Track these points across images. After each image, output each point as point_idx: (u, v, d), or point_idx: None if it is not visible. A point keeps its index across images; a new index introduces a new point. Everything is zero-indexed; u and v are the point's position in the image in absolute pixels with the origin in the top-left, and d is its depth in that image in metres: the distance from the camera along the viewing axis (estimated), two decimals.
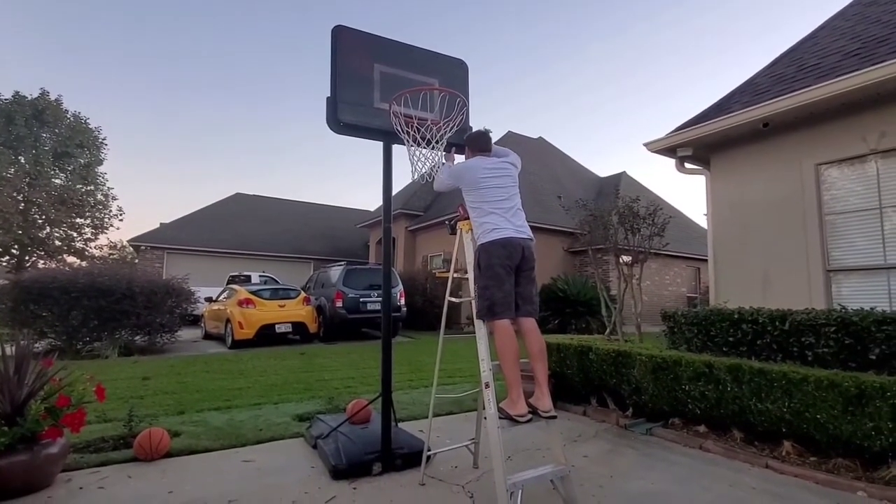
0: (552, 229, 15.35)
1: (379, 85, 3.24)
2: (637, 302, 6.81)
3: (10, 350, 3.07)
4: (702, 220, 6.30)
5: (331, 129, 3.08)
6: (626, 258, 7.31)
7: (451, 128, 3.07)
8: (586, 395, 4.73)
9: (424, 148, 3.06)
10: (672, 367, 3.82)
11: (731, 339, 4.20)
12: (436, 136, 3.04)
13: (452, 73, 3.53)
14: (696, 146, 5.86)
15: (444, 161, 3.48)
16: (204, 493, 2.72)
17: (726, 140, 5.66)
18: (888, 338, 3.26)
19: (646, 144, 6.16)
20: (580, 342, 4.85)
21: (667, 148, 6.02)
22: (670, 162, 6.30)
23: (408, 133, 3.03)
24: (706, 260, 6.23)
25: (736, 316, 4.20)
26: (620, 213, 6.72)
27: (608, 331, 6.95)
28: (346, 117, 3.08)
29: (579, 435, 3.93)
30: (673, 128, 6.03)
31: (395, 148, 3.35)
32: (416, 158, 3.05)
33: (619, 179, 19.51)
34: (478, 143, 3.00)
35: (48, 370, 3.11)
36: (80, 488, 2.81)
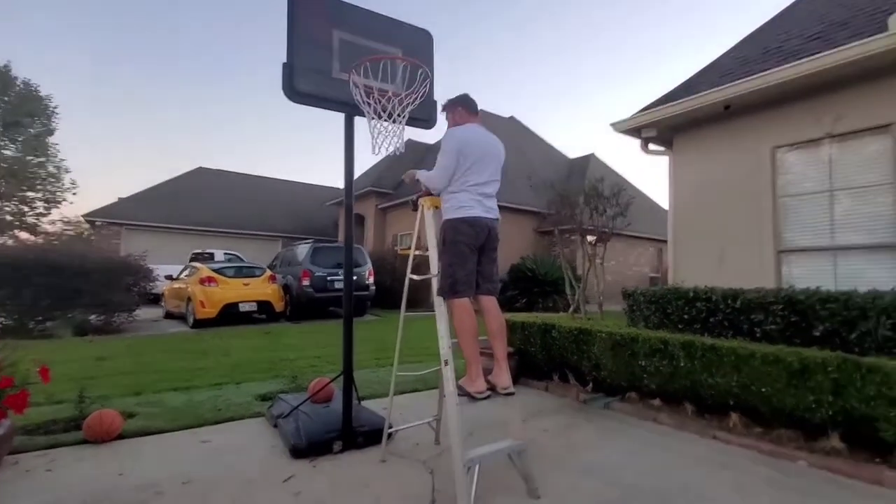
0: (522, 210, 15.46)
1: (338, 53, 3.10)
2: (600, 281, 6.96)
3: None
4: (666, 202, 6.44)
5: (287, 97, 2.94)
6: (591, 238, 7.44)
7: (414, 100, 2.98)
8: (549, 372, 4.84)
9: (386, 121, 2.97)
10: (630, 343, 3.93)
11: (686, 316, 4.35)
12: (398, 108, 2.95)
13: (416, 44, 3.42)
14: (660, 127, 5.94)
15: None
16: (157, 474, 2.66)
17: (690, 122, 5.76)
18: (831, 315, 3.43)
19: (613, 125, 6.21)
20: (544, 320, 4.93)
21: (633, 128, 6.09)
22: (637, 144, 6.38)
23: (368, 104, 2.93)
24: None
25: (691, 294, 4.34)
26: (586, 194, 6.81)
27: (572, 309, 7.10)
28: (302, 86, 2.95)
29: (540, 410, 4.02)
30: (638, 108, 6.09)
31: (358, 121, 3.24)
32: (377, 132, 2.96)
33: (588, 161, 19.74)
34: (466, 102, 2.83)
35: None
36: (27, 471, 2.70)
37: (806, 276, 4.78)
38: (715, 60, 6.43)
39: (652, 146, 6.26)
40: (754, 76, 4.84)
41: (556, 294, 13.08)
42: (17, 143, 23.93)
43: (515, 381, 2.70)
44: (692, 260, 5.80)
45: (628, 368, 3.96)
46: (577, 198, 6.97)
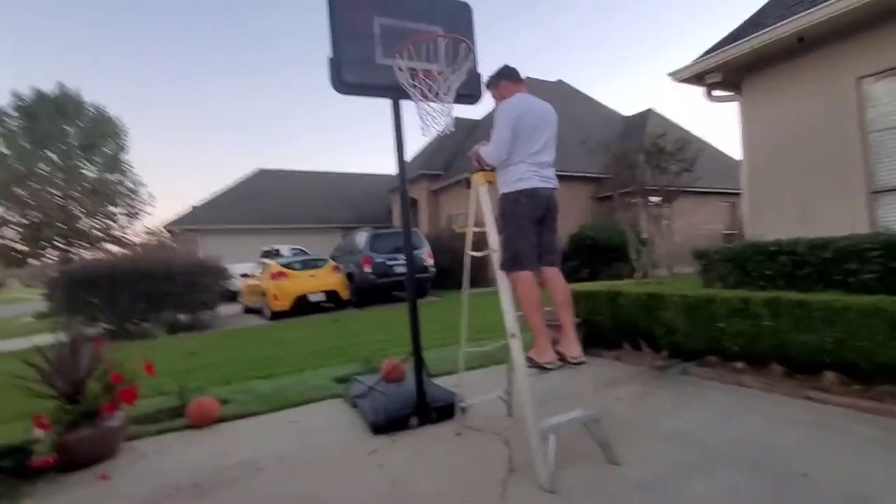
0: (577, 176, 14.95)
1: (380, 39, 3.11)
2: (668, 243, 6.62)
3: (63, 338, 3.26)
4: (736, 153, 5.98)
5: (335, 90, 3.00)
6: (654, 199, 7.06)
7: (459, 76, 2.94)
8: (618, 341, 4.71)
9: (433, 101, 2.95)
10: (706, 305, 3.73)
11: (768, 272, 4.06)
12: (443, 87, 2.92)
13: (456, 18, 3.35)
14: (725, 71, 5.48)
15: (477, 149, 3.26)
16: (255, 453, 2.89)
17: (758, 61, 5.26)
18: None
19: (671, 74, 5.81)
20: (609, 288, 4.78)
21: (694, 76, 5.67)
22: (699, 92, 5.94)
23: (415, 87, 2.92)
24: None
25: (773, 248, 4.03)
26: (646, 152, 6.44)
27: (640, 275, 6.83)
28: (349, 77, 2.99)
29: (613, 379, 3.93)
30: (700, 53, 5.64)
31: (405, 104, 3.25)
32: (425, 113, 2.95)
33: (646, 117, 18.62)
34: (511, 73, 2.78)
35: (100, 352, 3.30)
36: (144, 455, 3.03)
37: None
38: None
39: (717, 92, 5.79)
40: (831, 0, 4.32)
41: (620, 261, 12.61)
42: (95, 163, 26.24)
43: (584, 352, 2.66)
44: (771, 212, 5.37)
45: (706, 331, 3.77)
46: (637, 157, 6.61)
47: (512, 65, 2.82)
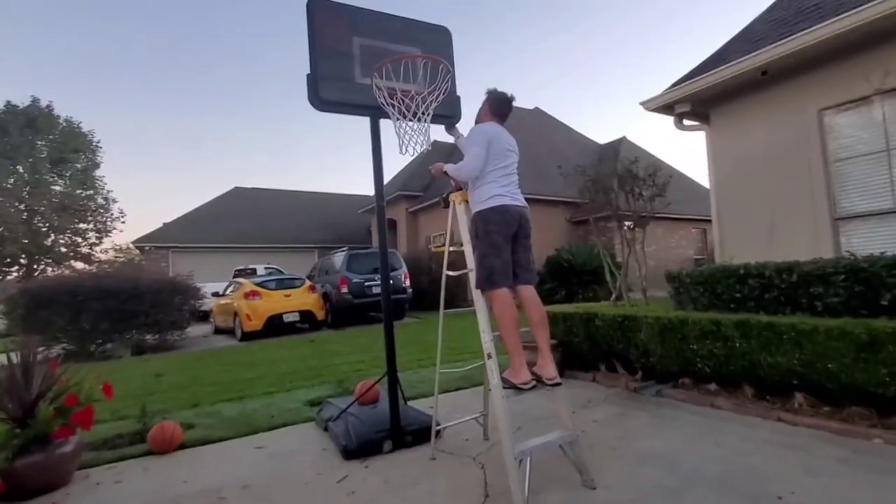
0: (554, 200, 15.22)
1: (359, 59, 3.13)
2: (642, 266, 6.73)
3: (15, 357, 3.07)
4: (706, 181, 6.17)
5: (313, 106, 2.99)
6: (628, 223, 7.20)
7: (437, 96, 2.97)
8: (595, 362, 4.72)
9: (411, 120, 2.97)
10: (679, 327, 3.78)
11: (737, 295, 4.14)
12: (422, 107, 2.95)
13: (435, 41, 3.41)
14: (693, 101, 5.71)
15: (453, 137, 3.38)
16: (219, 480, 2.75)
17: (725, 92, 5.50)
18: None
19: (642, 103, 6.01)
20: (585, 310, 4.81)
21: (664, 105, 5.87)
22: (670, 121, 6.15)
23: (393, 106, 2.93)
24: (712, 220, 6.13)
25: (742, 271, 4.13)
26: (620, 177, 6.59)
27: (613, 297, 6.89)
28: (327, 94, 2.99)
29: (589, 401, 3.92)
30: (669, 84, 5.87)
31: (384, 123, 3.27)
32: (402, 132, 2.96)
33: (620, 144, 19.24)
34: (502, 108, 2.83)
35: (55, 372, 3.12)
36: (98, 483, 2.85)
37: (866, 243, 4.47)
38: (747, 27, 6.12)
39: (687, 121, 6.02)
40: (793, 36, 4.57)
41: (595, 284, 12.78)
42: (65, 178, 25.49)
43: (561, 373, 2.63)
44: (739, 236, 5.53)
45: (679, 353, 3.81)
46: (611, 182, 6.76)
47: (509, 100, 2.85)
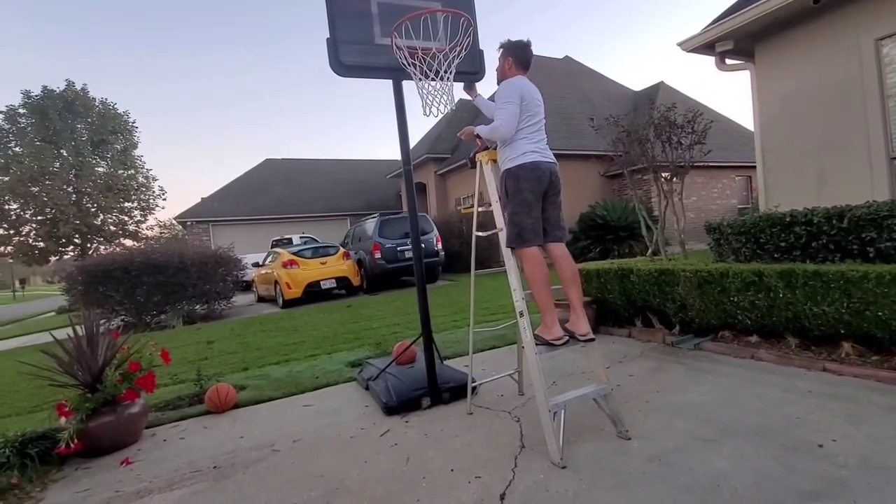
0: (586, 154, 14.73)
1: (378, 18, 3.05)
2: (680, 219, 6.51)
3: (80, 330, 3.32)
4: (752, 124, 5.80)
5: (335, 72, 2.96)
6: (665, 174, 6.92)
7: (459, 53, 2.88)
8: (630, 318, 4.68)
9: (434, 80, 2.90)
10: (719, 279, 3.68)
11: (783, 244, 3.98)
12: (444, 65, 2.87)
13: None
14: (737, 37, 5.30)
15: (470, 97, 3.29)
16: (271, 436, 2.95)
17: (772, 25, 5.07)
18: None
19: (680, 44, 5.64)
20: (620, 265, 4.73)
21: (704, 44, 5.49)
22: (711, 62, 5.76)
23: (414, 66, 2.87)
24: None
25: (788, 219, 3.95)
26: (656, 125, 6.28)
27: (650, 251, 6.75)
28: (347, 58, 2.95)
29: (624, 356, 3.92)
30: (709, 20, 5.45)
31: (407, 85, 3.21)
32: (425, 93, 2.91)
33: (657, 90, 18.21)
34: (524, 56, 2.72)
35: (117, 341, 3.37)
36: (164, 440, 3.11)
37: None
38: None
39: (729, 60, 5.62)
40: None
41: (631, 239, 12.49)
42: (106, 159, 26.51)
43: (595, 330, 2.64)
44: (787, 183, 5.24)
45: (719, 306, 3.72)
46: (647, 131, 6.46)
47: (528, 45, 2.74)
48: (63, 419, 2.89)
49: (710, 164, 12.30)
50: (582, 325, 2.50)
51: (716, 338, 3.91)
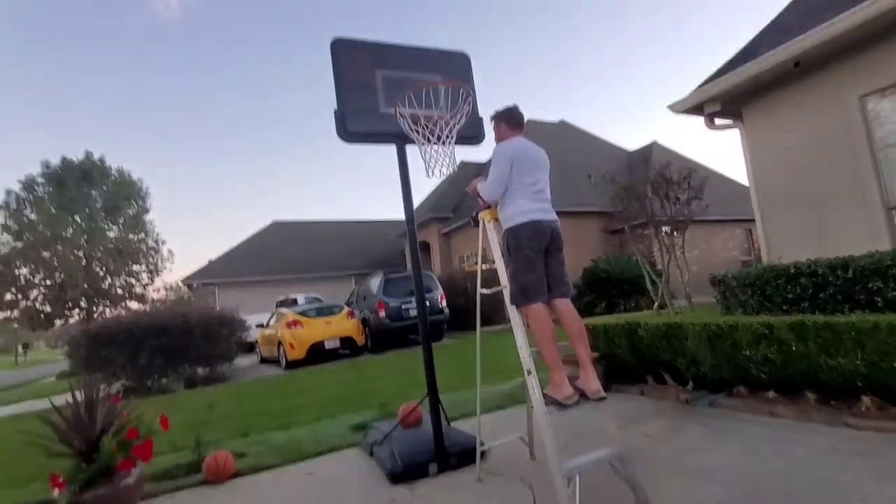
0: (586, 211, 15.02)
1: (383, 90, 3.25)
2: (684, 272, 6.52)
3: (79, 395, 3.26)
4: (746, 179, 5.95)
5: (342, 139, 3.12)
6: (665, 228, 7.02)
7: (460, 119, 3.04)
8: (641, 375, 4.56)
9: (436, 144, 3.04)
10: (728, 333, 3.62)
11: (789, 296, 3.95)
12: (445, 130, 3.02)
13: (455, 67, 3.51)
14: (724, 99, 5.56)
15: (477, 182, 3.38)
16: None
17: (757, 87, 5.34)
18: None
19: (670, 106, 5.91)
20: (627, 320, 4.68)
21: (693, 106, 5.76)
22: (701, 122, 6.01)
23: (417, 132, 3.02)
24: None
25: (792, 270, 3.95)
26: (653, 183, 6.46)
27: (656, 305, 6.69)
28: (354, 127, 3.11)
29: (638, 415, 3.79)
30: (697, 84, 5.76)
31: (410, 149, 3.35)
32: (428, 156, 3.04)
33: (650, 150, 18.86)
34: (515, 118, 2.85)
35: (116, 407, 3.29)
36: None
37: None
38: (775, 19, 5.97)
39: (718, 120, 5.87)
40: (828, 23, 4.40)
41: (636, 294, 12.41)
42: (118, 224, 27.24)
43: (605, 388, 2.56)
44: (786, 234, 5.29)
45: (731, 360, 3.63)
46: (644, 188, 6.64)
47: (516, 108, 2.89)
48: (56, 491, 2.77)
49: (710, 218, 12.47)
50: (592, 382, 2.44)
51: (731, 393, 3.78)
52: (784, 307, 3.96)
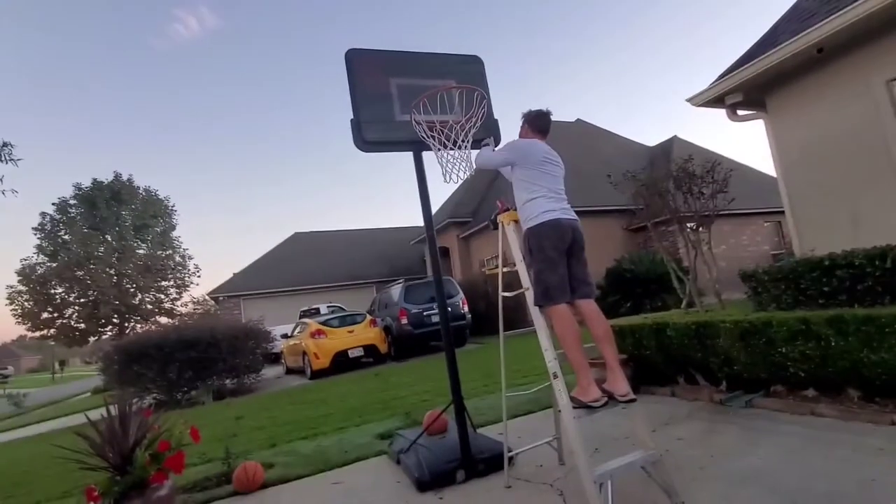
0: (607, 210, 14.77)
1: (398, 98, 3.26)
2: (711, 268, 6.33)
3: (113, 410, 3.34)
4: (773, 170, 5.77)
5: (358, 148, 3.13)
6: (690, 224, 6.84)
7: (475, 123, 3.02)
8: (671, 376, 4.43)
9: (452, 149, 3.03)
10: (762, 329, 3.49)
11: (826, 289, 3.80)
12: (461, 135, 3.00)
13: (468, 71, 3.49)
14: (746, 90, 5.41)
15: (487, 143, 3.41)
16: None
17: (779, 76, 5.18)
18: None
19: (689, 99, 5.78)
20: (654, 320, 4.56)
21: (714, 98, 5.62)
22: (722, 114, 5.86)
23: (433, 138, 3.01)
24: None
25: (827, 263, 3.79)
26: (675, 178, 6.31)
27: (684, 304, 6.52)
28: (370, 135, 3.12)
29: (670, 417, 3.67)
30: (717, 75, 5.62)
31: (427, 155, 3.35)
32: (444, 161, 3.02)
33: (671, 144, 18.48)
34: (539, 123, 2.89)
35: (148, 420, 3.36)
36: None
37: None
38: (794, 5, 5.79)
39: (741, 111, 5.71)
40: (851, 6, 4.24)
41: (663, 292, 12.13)
42: (147, 241, 28.08)
43: (635, 390, 2.49)
44: (819, 225, 5.09)
45: (766, 358, 3.50)
46: (666, 183, 6.49)
47: (547, 114, 2.91)
48: None
49: (736, 211, 12.13)
50: (621, 384, 2.37)
51: (768, 393, 3.64)
52: (820, 301, 3.80)
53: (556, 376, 2.33)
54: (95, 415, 3.39)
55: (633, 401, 2.37)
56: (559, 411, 2.49)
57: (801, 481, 2.30)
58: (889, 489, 2.09)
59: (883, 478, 2.20)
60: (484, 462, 3.01)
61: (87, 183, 26.27)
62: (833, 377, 3.19)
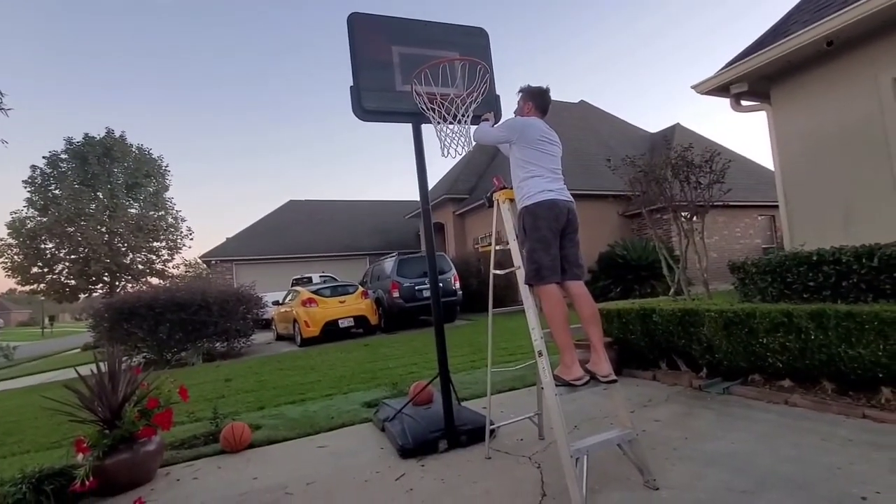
0: (603, 194, 14.77)
1: (399, 67, 3.20)
2: (702, 258, 6.40)
3: (103, 366, 3.37)
4: (771, 164, 5.76)
5: (357, 116, 3.09)
6: (685, 213, 6.87)
7: (476, 98, 2.98)
8: (654, 360, 4.53)
9: (452, 123, 3.00)
10: (745, 320, 3.56)
11: (811, 284, 3.86)
12: (461, 109, 2.97)
13: (472, 43, 3.43)
14: (751, 80, 5.36)
15: (487, 118, 3.38)
16: (285, 477, 2.89)
17: (787, 67, 5.13)
18: None
19: (694, 87, 5.73)
20: (642, 305, 4.63)
21: (719, 87, 5.56)
22: (726, 104, 5.82)
23: (433, 111, 2.98)
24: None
25: (815, 258, 3.84)
26: (673, 165, 6.30)
27: (672, 291, 6.61)
28: (369, 104, 3.08)
29: (649, 400, 3.77)
30: (723, 64, 5.55)
31: (426, 128, 3.32)
32: (443, 135, 3.00)
33: (673, 132, 18.38)
34: (541, 100, 2.87)
35: (137, 377, 3.40)
36: (178, 480, 3.06)
37: None
38: None
39: (745, 102, 5.66)
40: (860, 2, 4.19)
41: (653, 279, 12.28)
42: (139, 201, 27.75)
43: (618, 373, 2.56)
44: (811, 221, 5.14)
45: (747, 348, 3.58)
46: (664, 171, 6.48)
47: (547, 91, 2.89)
48: (80, 455, 2.89)
49: (731, 203, 12.18)
50: (603, 365, 2.43)
51: (746, 381, 3.74)
52: (805, 295, 3.87)
53: (541, 354, 2.38)
54: (85, 370, 3.43)
55: (614, 381, 2.43)
56: (542, 388, 2.54)
57: (769, 465, 2.39)
58: (853, 477, 2.18)
59: (848, 466, 2.29)
60: (466, 433, 3.10)
61: (78, 138, 25.77)
62: (810, 369, 3.28)
